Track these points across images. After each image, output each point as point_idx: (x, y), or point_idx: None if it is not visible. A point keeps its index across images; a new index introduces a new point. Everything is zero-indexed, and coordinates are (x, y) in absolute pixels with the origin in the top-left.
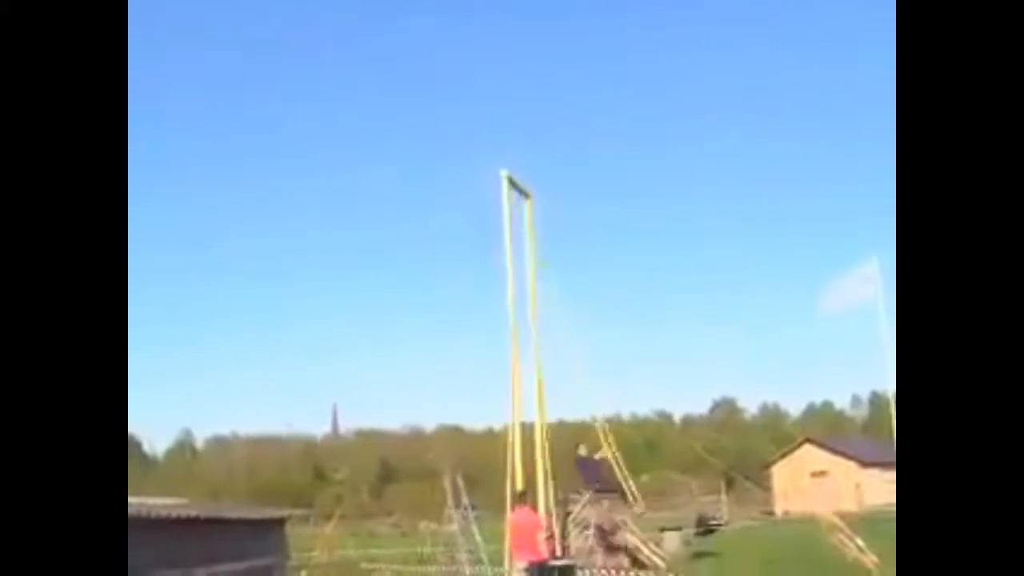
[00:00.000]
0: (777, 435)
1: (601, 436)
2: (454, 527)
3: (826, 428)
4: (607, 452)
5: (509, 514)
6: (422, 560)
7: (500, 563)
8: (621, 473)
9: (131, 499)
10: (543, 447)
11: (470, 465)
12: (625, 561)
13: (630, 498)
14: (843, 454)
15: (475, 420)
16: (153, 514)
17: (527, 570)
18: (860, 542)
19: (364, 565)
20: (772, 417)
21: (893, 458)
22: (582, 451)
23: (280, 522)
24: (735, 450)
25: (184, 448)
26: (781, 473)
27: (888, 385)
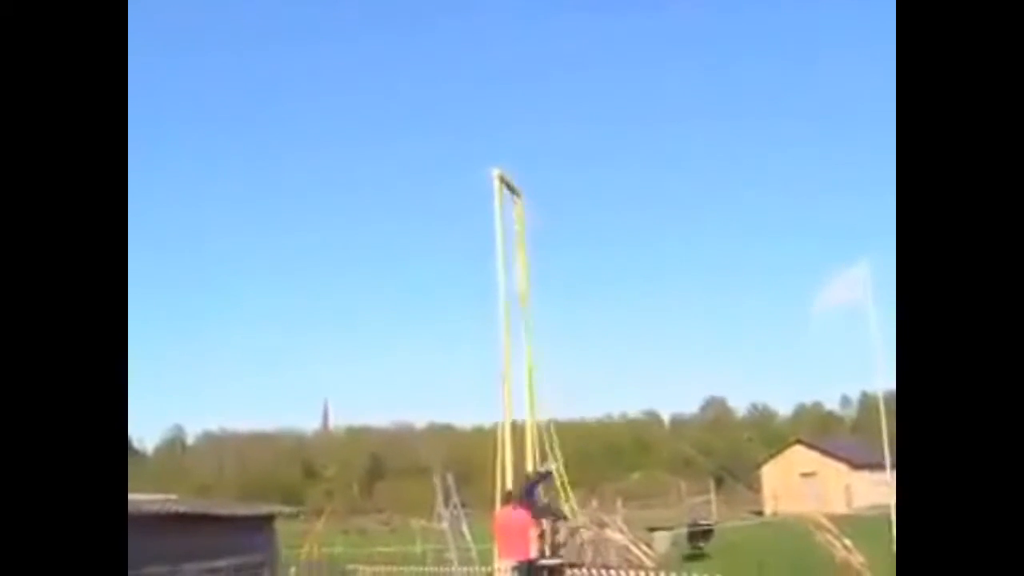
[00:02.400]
0: (767, 435)
1: (547, 443)
2: (444, 525)
3: (816, 428)
4: (554, 465)
5: (498, 511)
6: (412, 560)
7: (490, 562)
8: (563, 489)
9: None
10: (534, 446)
11: (460, 463)
12: (614, 560)
13: (568, 516)
14: (833, 455)
15: (465, 418)
16: (143, 510)
17: (516, 569)
18: (848, 543)
19: (350, 566)
20: (762, 417)
21: (883, 460)
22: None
23: (270, 518)
24: (724, 450)
25: (174, 444)
26: (771, 474)
27: (877, 386)
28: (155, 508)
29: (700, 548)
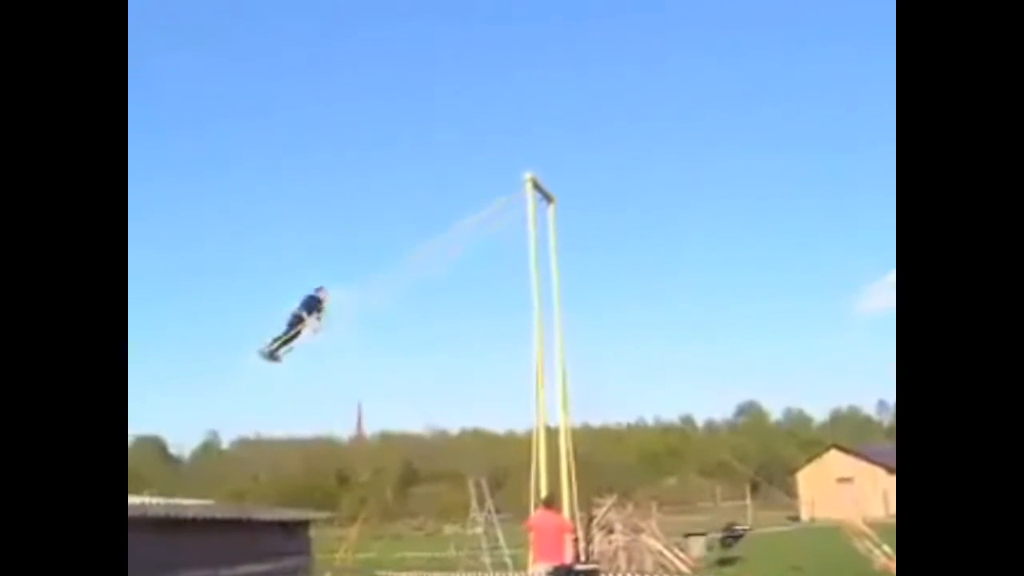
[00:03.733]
0: (803, 440)
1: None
2: (479, 530)
3: (852, 433)
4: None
5: (532, 515)
6: (445, 565)
7: (524, 567)
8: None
9: (157, 500)
10: (567, 451)
11: (494, 468)
12: (649, 566)
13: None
14: (870, 460)
15: (498, 423)
16: (180, 515)
17: (551, 574)
18: (887, 548)
19: (380, 573)
20: (797, 422)
21: None
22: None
23: (305, 524)
24: (760, 455)
25: (210, 450)
26: (807, 479)
27: None
28: (192, 513)
29: (730, 549)
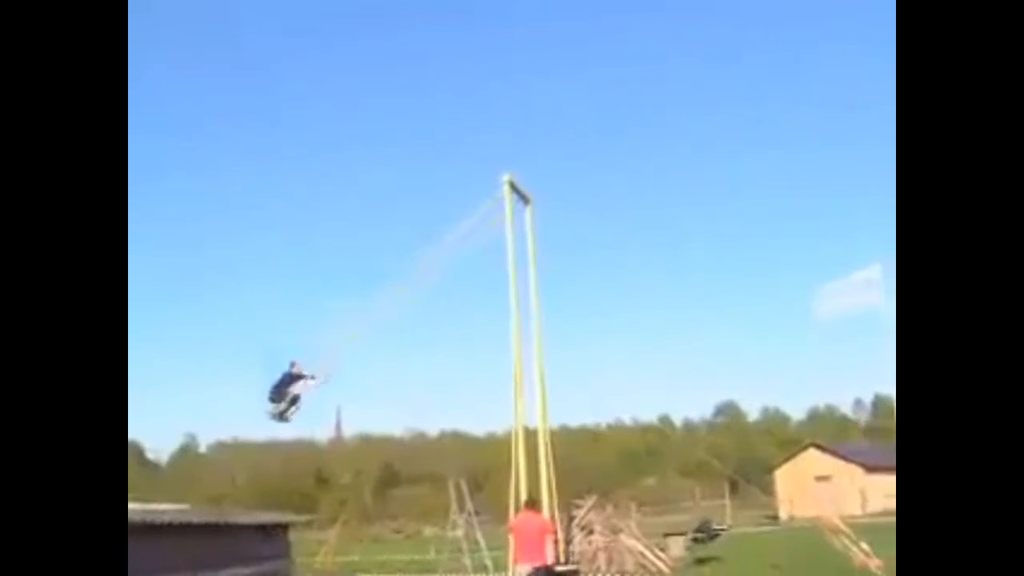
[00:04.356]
0: (780, 439)
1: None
2: (459, 532)
3: (829, 432)
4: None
5: (512, 517)
6: (425, 567)
7: (505, 569)
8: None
9: (135, 505)
10: (546, 452)
11: (473, 470)
12: (630, 566)
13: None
14: (847, 459)
15: (478, 425)
16: (157, 520)
17: (532, 575)
18: (865, 546)
19: (359, 575)
20: (775, 421)
21: None
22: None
23: (284, 527)
24: (738, 454)
25: (188, 454)
26: (785, 477)
27: (891, 388)
28: (169, 518)
29: (709, 548)
